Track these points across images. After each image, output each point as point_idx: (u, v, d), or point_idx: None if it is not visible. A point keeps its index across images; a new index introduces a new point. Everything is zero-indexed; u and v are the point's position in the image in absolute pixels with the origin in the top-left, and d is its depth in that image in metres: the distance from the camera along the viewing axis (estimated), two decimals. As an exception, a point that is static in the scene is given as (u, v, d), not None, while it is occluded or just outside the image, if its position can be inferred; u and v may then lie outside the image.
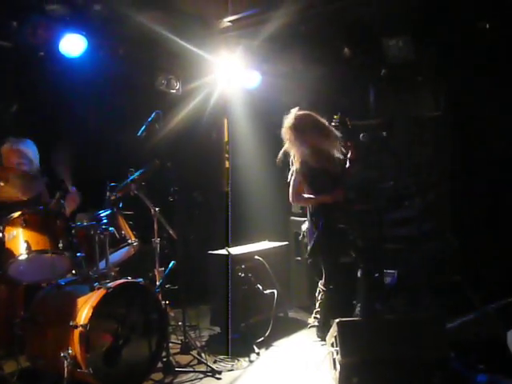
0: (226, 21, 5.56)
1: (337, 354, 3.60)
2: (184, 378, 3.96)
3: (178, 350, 4.36)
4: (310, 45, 6.07)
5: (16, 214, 3.64)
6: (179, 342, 4.40)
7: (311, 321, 4.72)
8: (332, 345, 3.70)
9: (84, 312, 3.49)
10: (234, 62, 6.11)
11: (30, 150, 4.25)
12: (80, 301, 3.62)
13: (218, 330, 4.92)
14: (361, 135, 4.39)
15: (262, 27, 5.76)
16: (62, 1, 4.74)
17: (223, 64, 6.08)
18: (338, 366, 3.58)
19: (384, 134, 4.66)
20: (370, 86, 6.24)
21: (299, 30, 5.85)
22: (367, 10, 5.38)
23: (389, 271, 5.50)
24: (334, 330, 3.69)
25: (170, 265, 4.25)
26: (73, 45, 4.85)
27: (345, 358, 3.52)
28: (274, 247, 5.26)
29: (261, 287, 4.63)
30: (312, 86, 6.05)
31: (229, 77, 6.17)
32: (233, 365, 4.19)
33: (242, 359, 4.27)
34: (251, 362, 4.27)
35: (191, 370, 4.07)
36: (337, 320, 3.64)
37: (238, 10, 5.53)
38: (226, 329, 4.48)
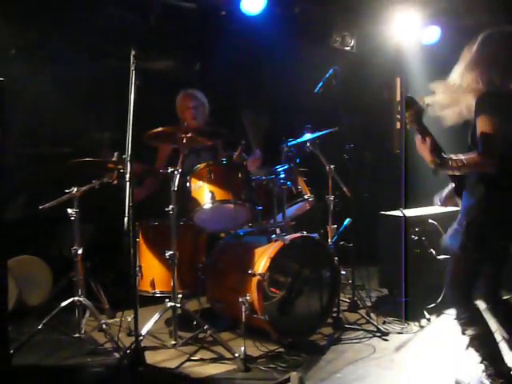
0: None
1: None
2: (352, 335, 3.98)
3: (346, 308, 4.41)
4: (500, -6, 5.53)
5: (202, 166, 3.88)
6: (347, 300, 4.43)
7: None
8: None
9: (262, 262, 3.64)
10: (411, 16, 5.80)
11: (201, 95, 4.58)
12: (258, 251, 3.78)
13: (385, 291, 4.86)
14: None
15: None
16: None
17: (400, 19, 5.80)
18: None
19: None
20: None
21: (487, -23, 5.36)
22: None
23: None
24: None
25: (346, 222, 4.25)
26: (253, 2, 4.94)
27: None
28: (448, 212, 4.98)
29: (434, 252, 4.44)
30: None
31: (406, 32, 5.88)
32: (402, 328, 4.11)
33: (411, 323, 4.18)
34: (421, 327, 4.15)
35: (360, 328, 4.08)
36: None
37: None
38: (397, 291, 4.39)
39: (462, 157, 2.66)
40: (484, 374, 2.92)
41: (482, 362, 2.92)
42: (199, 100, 4.53)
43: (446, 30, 5.93)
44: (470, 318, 2.90)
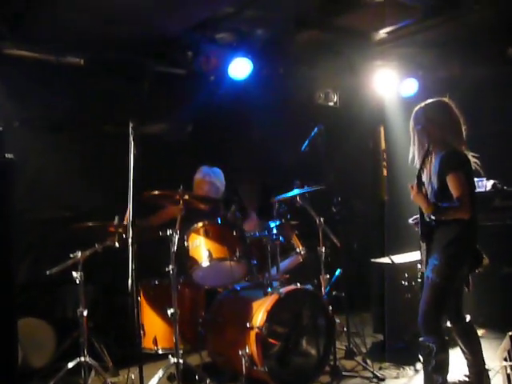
0: (382, 32, 5.62)
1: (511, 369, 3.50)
2: (349, 382, 4.11)
3: (343, 355, 4.53)
4: (470, 48, 5.91)
5: (198, 225, 4.08)
6: (343, 347, 4.57)
7: (480, 333, 4.56)
8: (505, 359, 3.61)
9: (259, 315, 3.80)
10: (390, 71, 6.18)
11: (219, 179, 4.77)
12: (255, 304, 3.95)
13: (380, 337, 4.99)
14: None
15: (419, 35, 5.75)
16: (230, 29, 5.17)
17: (380, 73, 6.17)
18: (512, 381, 3.45)
19: None
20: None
21: (458, 35, 5.73)
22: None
23: None
24: (507, 344, 3.60)
25: (337, 272, 4.44)
26: (239, 68, 5.27)
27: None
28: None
29: (424, 296, 4.60)
30: (473, 90, 5.88)
31: (385, 86, 6.24)
32: (398, 373, 4.24)
33: (407, 367, 4.31)
34: (417, 370, 4.28)
35: (357, 375, 4.21)
36: (510, 333, 3.55)
37: (394, 20, 5.56)
38: (391, 336, 4.54)
39: (446, 206, 3.29)
40: None
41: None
42: (214, 185, 4.70)
43: (423, 82, 6.28)
44: (439, 345, 3.31)
